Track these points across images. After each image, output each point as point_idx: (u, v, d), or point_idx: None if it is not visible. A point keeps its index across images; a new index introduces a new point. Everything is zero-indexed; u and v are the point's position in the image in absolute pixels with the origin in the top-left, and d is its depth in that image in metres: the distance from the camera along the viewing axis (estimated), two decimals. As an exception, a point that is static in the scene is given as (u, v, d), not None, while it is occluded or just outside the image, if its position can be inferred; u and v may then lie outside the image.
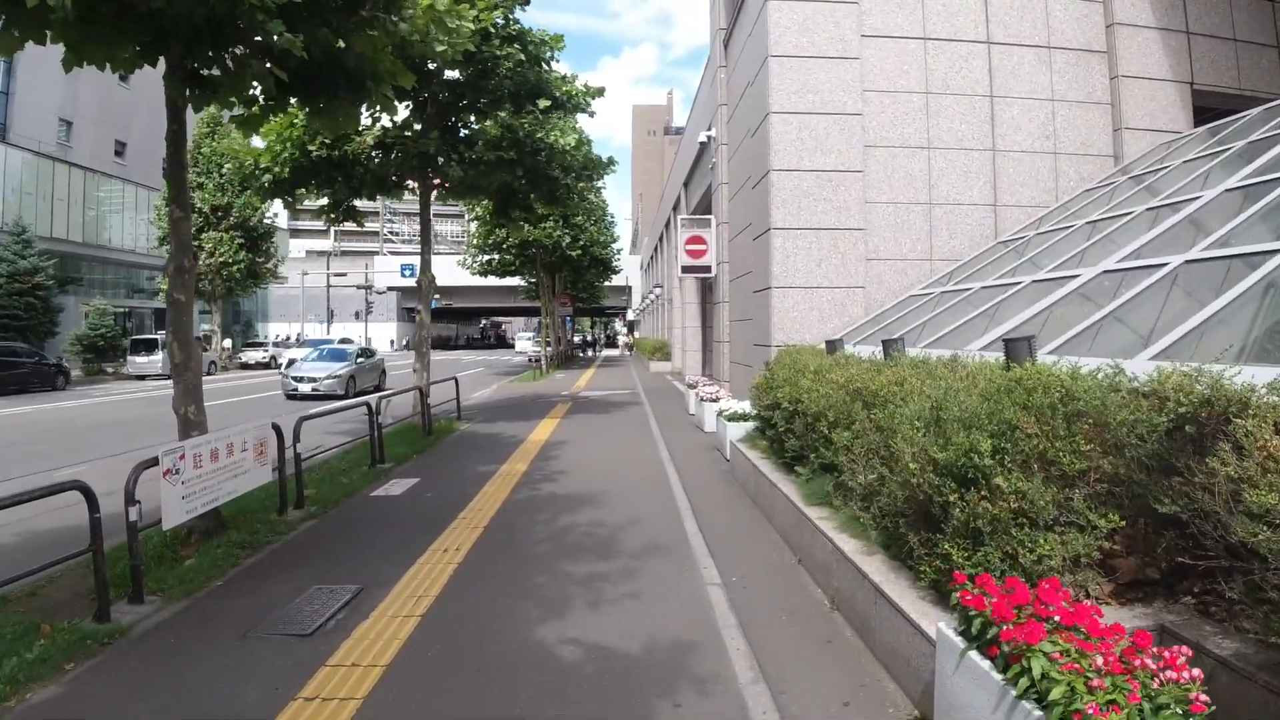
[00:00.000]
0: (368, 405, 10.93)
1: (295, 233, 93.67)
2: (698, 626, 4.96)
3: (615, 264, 44.65)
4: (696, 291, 28.52)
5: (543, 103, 13.61)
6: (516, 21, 13.48)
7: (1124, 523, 3.76)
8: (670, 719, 3.83)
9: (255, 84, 7.12)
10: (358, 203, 15.50)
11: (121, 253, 44.88)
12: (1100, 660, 2.70)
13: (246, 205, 37.35)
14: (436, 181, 15.15)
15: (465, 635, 4.86)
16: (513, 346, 71.59)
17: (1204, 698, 2.59)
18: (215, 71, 7.02)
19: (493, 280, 39.94)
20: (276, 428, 7.87)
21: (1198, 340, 4.95)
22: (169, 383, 7.83)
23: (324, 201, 15.24)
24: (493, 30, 12.92)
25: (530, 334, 63.65)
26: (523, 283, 41.91)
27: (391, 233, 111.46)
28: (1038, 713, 2.69)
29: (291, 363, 28.42)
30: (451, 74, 13.61)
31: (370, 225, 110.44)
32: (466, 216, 36.20)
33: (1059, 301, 7.30)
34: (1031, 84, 12.80)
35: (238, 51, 6.88)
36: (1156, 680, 2.64)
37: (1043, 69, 12.84)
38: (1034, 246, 10.44)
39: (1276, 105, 10.29)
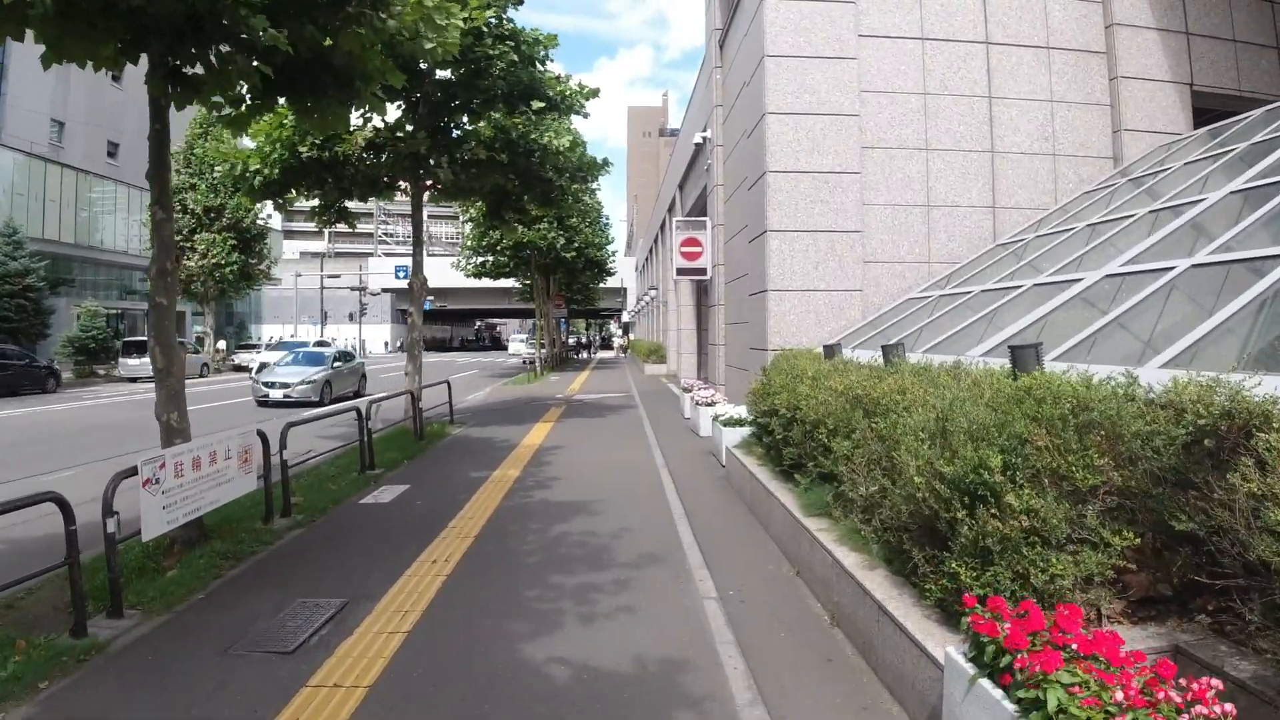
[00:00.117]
0: (357, 410, 10.74)
1: (289, 234, 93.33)
2: (693, 643, 4.79)
3: (610, 266, 44.49)
4: (692, 294, 28.33)
5: (536, 104, 13.43)
6: (510, 21, 13.31)
7: (1139, 540, 3.60)
8: (665, 745, 3.67)
9: (240, 83, 6.98)
10: (350, 204, 15.33)
11: (114, 254, 44.58)
12: (1121, 694, 2.54)
13: (239, 207, 37.08)
14: (428, 183, 14.99)
15: (452, 653, 4.68)
16: (507, 348, 71.37)
17: (1235, 736, 2.44)
18: (199, 69, 6.85)
19: (487, 282, 39.73)
20: (262, 434, 7.68)
21: (1210, 348, 4.80)
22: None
23: (315, 203, 15.06)
24: (485, 30, 12.74)
25: (523, 336, 63.41)
26: (517, 284, 41.71)
27: (386, 234, 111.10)
28: (1055, 749, 2.54)
29: (263, 367, 27.38)
30: (443, 74, 13.43)
31: (365, 227, 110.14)
32: (461, 218, 35.97)
33: (1062, 306, 7.16)
34: (1030, 85, 12.67)
35: (222, 50, 6.72)
36: (1183, 716, 2.48)
37: (1041, 70, 12.72)
38: (1033, 249, 10.30)
39: (1278, 107, 10.17)
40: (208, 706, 4.10)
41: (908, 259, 12.16)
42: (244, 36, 6.44)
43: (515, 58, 12.94)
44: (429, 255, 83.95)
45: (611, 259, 44.40)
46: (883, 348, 7.10)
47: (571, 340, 67.48)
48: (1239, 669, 3.36)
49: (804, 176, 11.90)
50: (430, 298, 61.48)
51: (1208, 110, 13.19)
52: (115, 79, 44.47)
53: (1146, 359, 5.02)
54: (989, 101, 12.53)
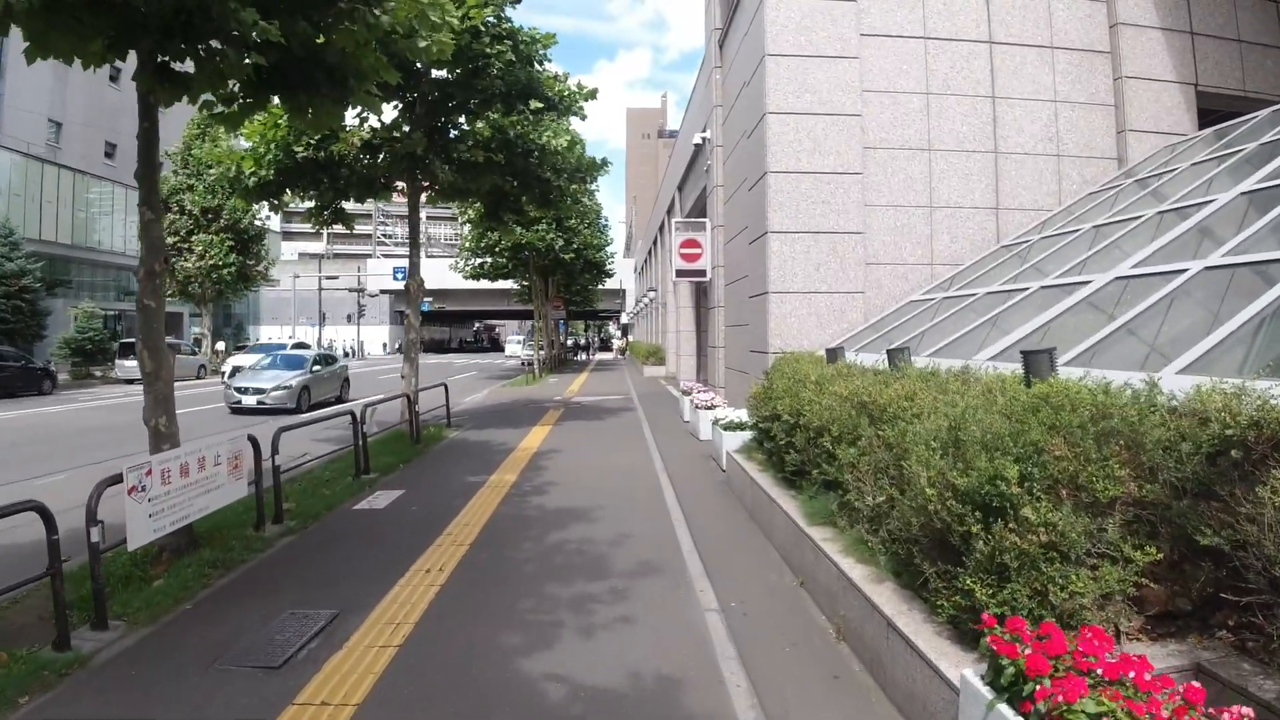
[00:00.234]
0: (352, 414, 10.57)
1: (288, 235, 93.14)
2: (694, 659, 4.62)
3: (609, 267, 44.31)
4: (691, 296, 28.18)
5: (534, 104, 13.27)
6: (508, 20, 13.16)
7: (1161, 555, 3.45)
8: (665, 769, 3.51)
9: (232, 81, 6.84)
10: (348, 205, 15.18)
11: (111, 255, 44.38)
12: (1151, 725, 2.38)
13: (236, 208, 36.90)
14: (425, 183, 14.83)
15: (444, 670, 4.52)
16: (505, 350, 71.15)
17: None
18: (189, 66, 6.71)
19: (485, 284, 39.55)
20: (253, 439, 7.52)
21: (1228, 354, 4.64)
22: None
23: (311, 204, 14.91)
24: (482, 29, 12.59)
25: (520, 338, 63.17)
26: (516, 286, 41.53)
27: (385, 236, 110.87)
28: (1081, 783, 2.38)
29: (236, 371, 25.60)
30: (440, 73, 13.29)
31: (364, 229, 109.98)
32: (460, 220, 35.78)
33: (1070, 309, 7.00)
34: (1034, 85, 12.52)
35: (212, 45, 6.58)
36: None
37: (1045, 69, 12.57)
38: (1038, 251, 10.15)
39: (1287, 107, 10.03)
40: (189, 725, 3.95)
41: (910, 261, 12.01)
42: (235, 33, 6.33)
43: (513, 57, 12.79)
44: (427, 257, 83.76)
45: (610, 260, 44.21)
46: (888, 352, 6.94)
47: (570, 342, 67.29)
48: (1263, 689, 3.22)
49: (805, 177, 11.74)
50: (428, 299, 61.36)
51: (1212, 111, 13.05)
52: (113, 79, 44.46)
53: (1162, 364, 4.86)
54: (992, 101, 12.38)
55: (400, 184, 15.07)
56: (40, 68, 40.03)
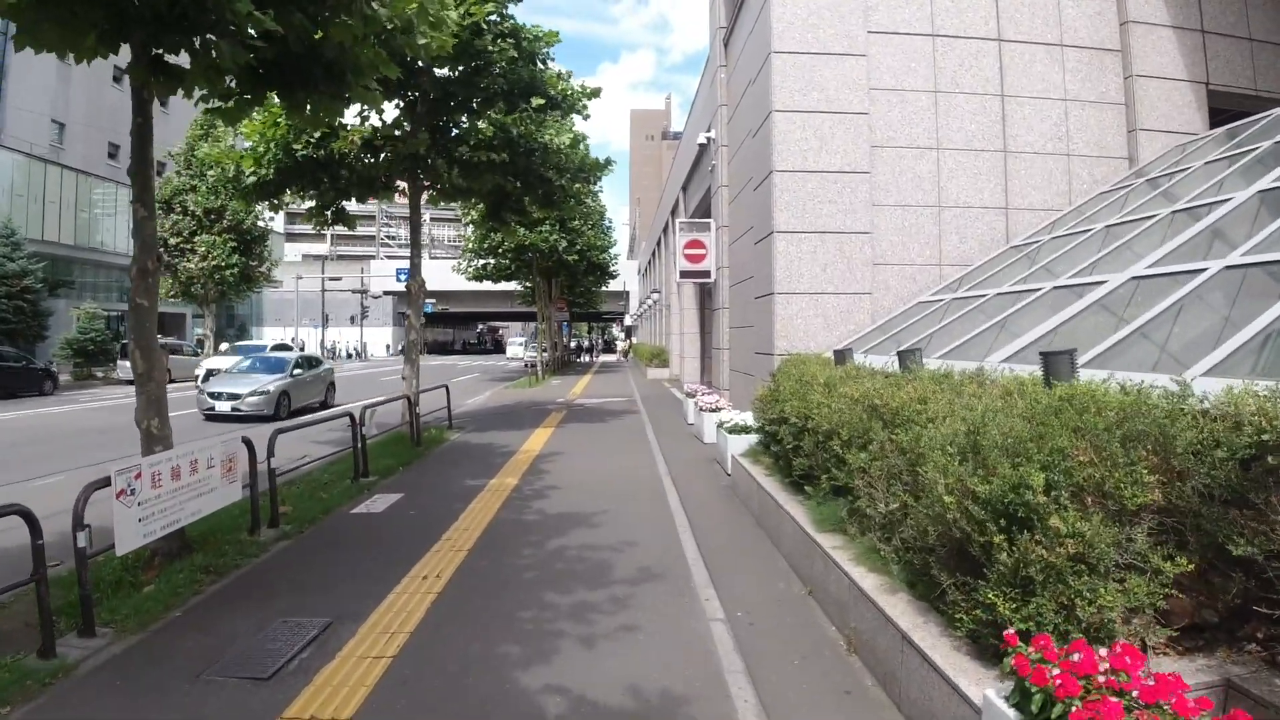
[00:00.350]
0: (350, 415, 10.41)
1: (291, 237, 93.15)
2: (700, 672, 4.44)
3: (613, 269, 44.14)
4: (695, 297, 28.03)
5: (536, 101, 13.10)
6: (511, 17, 13.01)
7: (1192, 566, 3.27)
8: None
9: (228, 76, 6.70)
10: (350, 206, 15.03)
11: (114, 256, 44.26)
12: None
13: (238, 209, 36.80)
14: (427, 183, 14.67)
15: (439, 683, 4.34)
16: (507, 352, 71.01)
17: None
18: (185, 60, 6.57)
19: (489, 285, 39.39)
20: (247, 441, 7.37)
21: (1255, 355, 4.46)
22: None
23: (311, 204, 14.76)
24: (485, 26, 12.44)
25: (522, 339, 63.05)
26: (519, 288, 41.38)
27: (389, 237, 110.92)
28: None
29: (210, 375, 23.93)
30: (442, 71, 13.14)
31: (367, 230, 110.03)
32: (463, 221, 35.59)
33: (1086, 310, 6.82)
34: (1043, 83, 12.34)
35: (207, 38, 6.44)
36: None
37: (1055, 67, 12.39)
38: (1049, 252, 9.97)
39: (1302, 105, 9.84)
40: (172, 741, 3.79)
41: (918, 261, 11.82)
42: (232, 26, 6.20)
43: (515, 54, 12.63)
44: (431, 258, 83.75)
45: (614, 262, 44.04)
46: (899, 353, 6.76)
47: (573, 344, 67.13)
48: (1299, 706, 3.05)
49: (811, 176, 11.57)
50: (431, 300, 61.19)
51: (1223, 110, 12.87)
52: (116, 80, 44.41)
53: (1184, 366, 4.68)
54: (1001, 100, 12.20)
55: (401, 184, 14.91)
56: (43, 68, 40.25)
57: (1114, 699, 2.44)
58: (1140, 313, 6.02)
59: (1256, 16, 12.92)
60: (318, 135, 12.58)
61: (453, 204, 18.44)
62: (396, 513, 8.50)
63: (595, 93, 14.45)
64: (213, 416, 18.14)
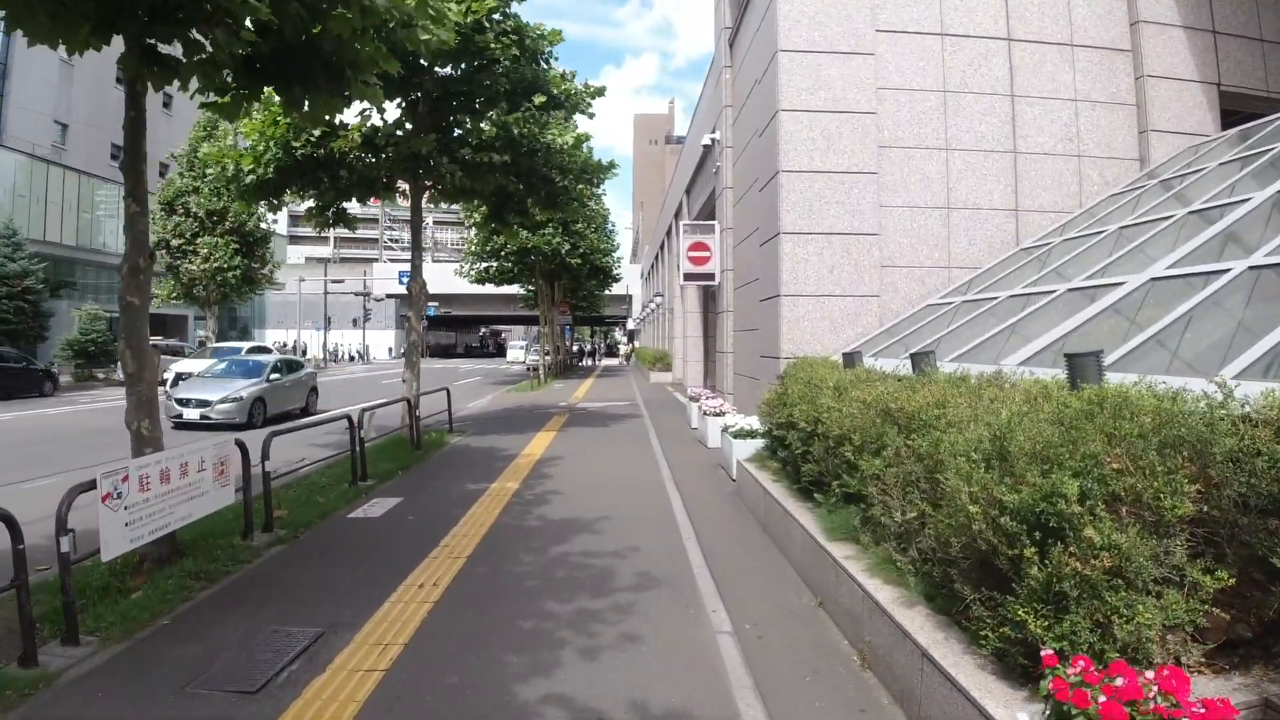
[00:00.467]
0: (349, 418, 10.22)
1: (294, 239, 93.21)
2: (707, 688, 4.24)
3: (616, 273, 43.96)
4: (698, 300, 27.84)
5: (538, 98, 12.92)
6: (514, 16, 12.85)
7: (1232, 580, 3.07)
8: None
9: (225, 70, 6.55)
10: (353, 208, 14.87)
11: (117, 257, 43.68)
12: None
13: (239, 211, 36.68)
14: (429, 184, 14.50)
15: (433, 698, 4.14)
16: (508, 355, 70.78)
17: None
18: (178, 50, 6.42)
19: (491, 288, 39.23)
20: (240, 444, 7.17)
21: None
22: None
23: (311, 204, 14.60)
24: (487, 24, 12.28)
25: (522, 343, 62.92)
26: (522, 291, 41.20)
27: (392, 240, 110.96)
28: None
29: (180, 379, 22.47)
30: (444, 70, 12.98)
31: (370, 232, 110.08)
32: (466, 223, 35.42)
33: (1104, 312, 6.62)
34: (1054, 83, 12.14)
35: (203, 32, 6.29)
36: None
37: (1065, 67, 12.19)
38: (1060, 254, 9.77)
39: (1319, 106, 9.65)
40: (152, 760, 3.60)
41: (926, 264, 11.62)
42: (229, 20, 6.05)
43: (518, 51, 12.47)
44: (434, 261, 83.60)
45: (617, 266, 43.87)
46: (912, 356, 6.56)
47: (575, 347, 66.97)
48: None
49: (818, 176, 11.38)
50: (434, 304, 61.07)
51: (1235, 111, 12.68)
52: (119, 80, 44.33)
53: (1214, 368, 4.48)
54: (1011, 100, 12.00)
55: (403, 184, 14.74)
56: (45, 68, 40.23)
57: (1163, 728, 2.25)
58: (1162, 314, 5.82)
59: (1268, 17, 12.73)
60: (318, 134, 12.41)
61: (455, 206, 18.26)
62: (394, 517, 8.31)
63: (599, 91, 14.28)
64: (181, 424, 16.74)
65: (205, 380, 18.70)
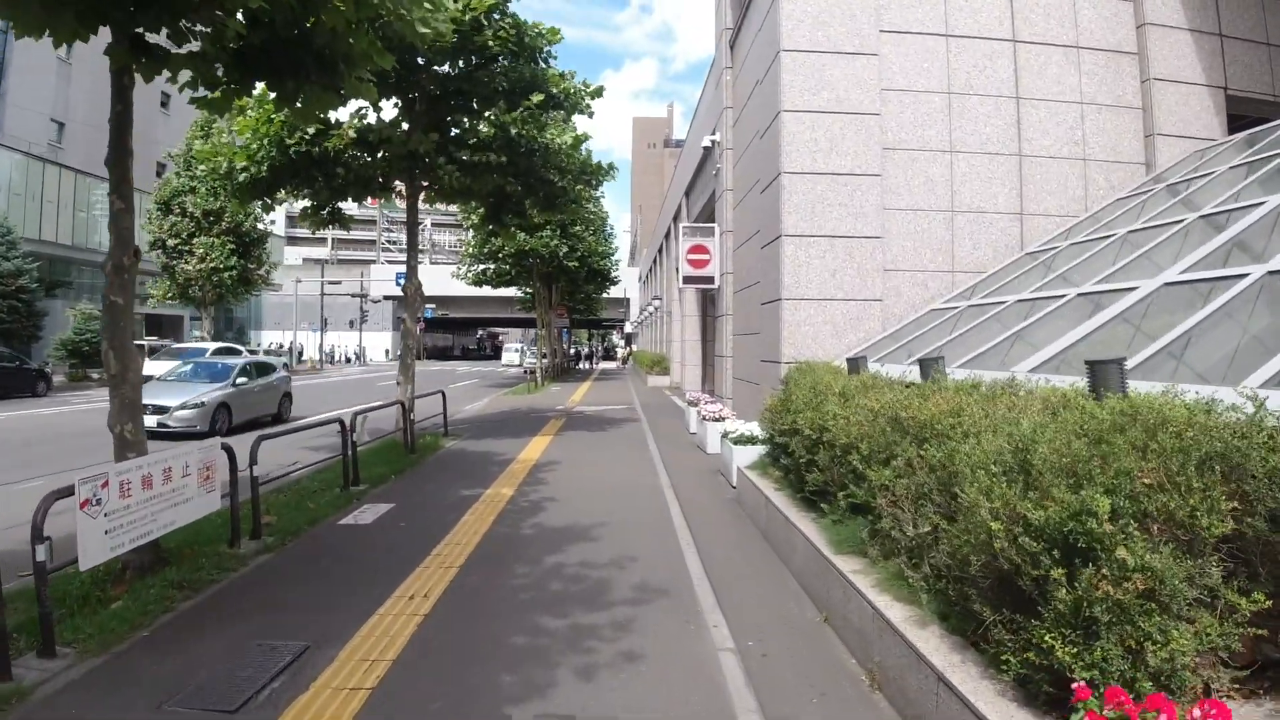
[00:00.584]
0: (340, 422, 10.01)
1: (292, 240, 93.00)
2: (710, 709, 4.03)
3: (614, 275, 43.77)
4: (697, 304, 27.66)
5: (536, 97, 12.72)
6: (512, 15, 12.67)
7: (1269, 602, 2.88)
8: None
9: (216, 63, 6.39)
10: (350, 209, 14.68)
11: (111, 257, 43.93)
12: None
13: (235, 211, 36.47)
14: (425, 184, 14.30)
15: (422, 717, 3.95)
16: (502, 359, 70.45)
17: None
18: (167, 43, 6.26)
19: (489, 290, 39.03)
20: (227, 448, 6.97)
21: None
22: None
23: (306, 203, 14.41)
24: (485, 22, 12.10)
25: (517, 346, 62.67)
26: (519, 293, 41.00)
27: (389, 242, 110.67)
28: None
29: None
30: (442, 68, 12.80)
31: (368, 234, 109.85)
32: (464, 225, 35.18)
33: (1117, 317, 6.43)
34: (1059, 85, 11.98)
35: (192, 21, 6.12)
36: None
37: (1071, 69, 12.03)
38: (1067, 259, 9.60)
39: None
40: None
41: (930, 268, 11.44)
42: (219, 10, 5.88)
43: (516, 48, 12.30)
44: (432, 263, 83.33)
45: (615, 268, 43.67)
46: (920, 362, 6.37)
47: (573, 350, 66.76)
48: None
49: (821, 178, 11.20)
50: (431, 306, 60.87)
51: (1241, 116, 12.55)
52: (115, 80, 44.05)
53: (1238, 376, 4.29)
54: (1016, 102, 11.84)
55: (399, 184, 14.56)
56: (43, 67, 40.01)
57: (1211, 772, 2.06)
58: (1178, 321, 5.63)
59: (1275, 21, 12.59)
60: (312, 132, 12.22)
61: (453, 208, 18.06)
62: (386, 524, 8.10)
63: (598, 91, 14.10)
64: None
65: (164, 384, 17.04)
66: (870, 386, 6.20)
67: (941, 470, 3.89)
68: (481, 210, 16.69)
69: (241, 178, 12.63)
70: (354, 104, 12.64)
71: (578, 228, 32.58)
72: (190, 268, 36.38)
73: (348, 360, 71.57)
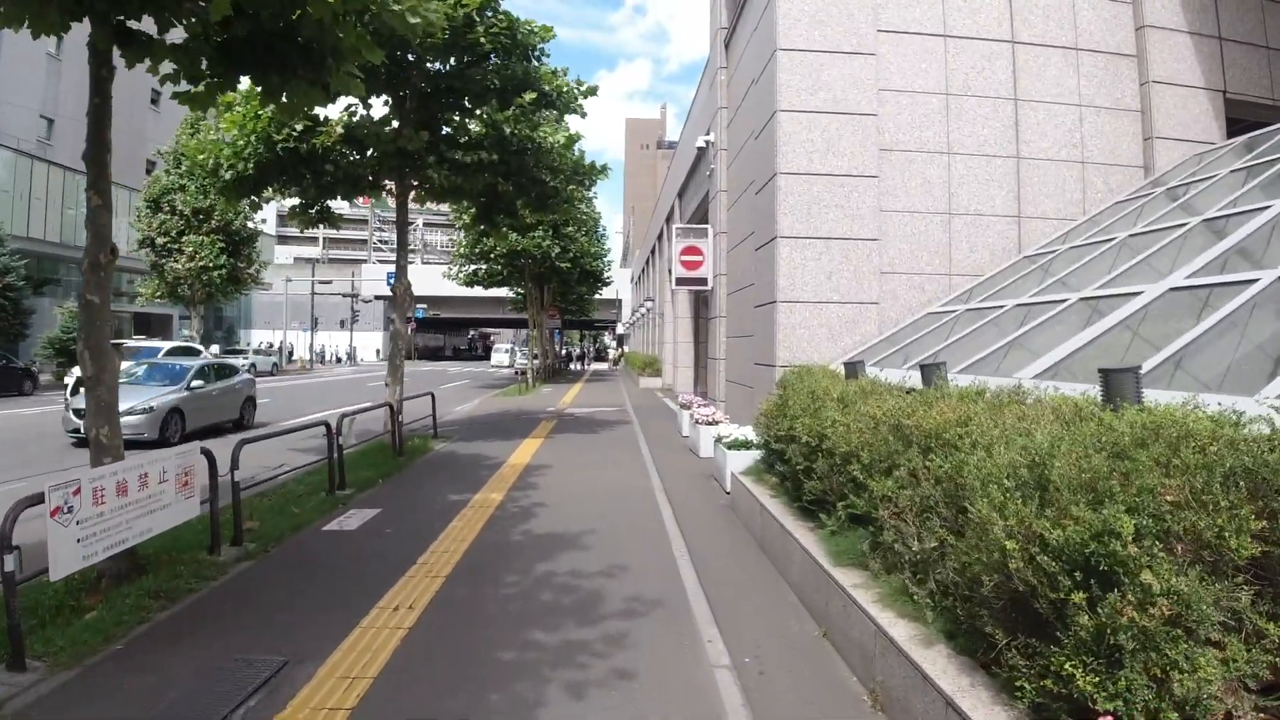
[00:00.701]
0: (326, 424, 9.81)
1: (283, 239, 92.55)
2: (705, 731, 3.87)
3: (606, 276, 43.55)
4: (689, 306, 27.50)
5: (529, 95, 12.53)
6: (504, 11, 12.48)
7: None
8: None
9: (192, 49, 6.20)
10: (342, 208, 14.48)
11: (100, 255, 43.52)
12: None
13: (226, 208, 36.16)
14: (415, 183, 14.09)
15: (404, 742, 3.77)
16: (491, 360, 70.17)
17: None
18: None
19: (480, 291, 38.77)
20: (207, 452, 6.77)
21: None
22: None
23: (295, 201, 14.18)
24: (478, 19, 11.91)
25: (507, 347, 62.45)
26: (511, 294, 40.75)
27: (381, 241, 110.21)
28: None
29: (80, 385, 18.96)
30: (433, 65, 12.61)
31: (360, 233, 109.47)
32: (456, 225, 34.88)
33: (1122, 323, 6.28)
34: (1058, 87, 11.86)
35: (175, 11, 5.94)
36: None
37: (1070, 72, 11.91)
38: (1066, 263, 9.47)
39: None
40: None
41: (927, 270, 11.29)
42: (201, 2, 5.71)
43: (508, 44, 12.11)
44: (424, 263, 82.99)
45: (607, 270, 43.46)
46: (922, 367, 6.20)
47: (564, 351, 66.52)
48: None
49: (817, 179, 11.04)
50: (422, 306, 60.58)
51: (1239, 120, 12.46)
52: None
53: (1251, 385, 4.14)
54: (1014, 104, 11.71)
55: (389, 183, 14.34)
56: (33, 63, 39.62)
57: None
58: (1186, 327, 5.48)
59: (1274, 24, 12.50)
60: (300, 128, 12.00)
61: (445, 208, 17.86)
62: (371, 531, 7.89)
63: (592, 90, 13.91)
64: (82, 439, 12.98)
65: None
66: (870, 392, 6.03)
67: (948, 482, 3.73)
68: (473, 210, 16.49)
69: (228, 175, 12.40)
70: (344, 101, 12.45)
71: (570, 228, 32.37)
72: (179, 266, 36.10)
73: (339, 360, 71.24)
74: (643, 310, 47.07)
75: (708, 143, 17.79)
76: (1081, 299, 7.47)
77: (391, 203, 14.73)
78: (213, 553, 6.79)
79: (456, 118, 13.29)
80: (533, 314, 35.94)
